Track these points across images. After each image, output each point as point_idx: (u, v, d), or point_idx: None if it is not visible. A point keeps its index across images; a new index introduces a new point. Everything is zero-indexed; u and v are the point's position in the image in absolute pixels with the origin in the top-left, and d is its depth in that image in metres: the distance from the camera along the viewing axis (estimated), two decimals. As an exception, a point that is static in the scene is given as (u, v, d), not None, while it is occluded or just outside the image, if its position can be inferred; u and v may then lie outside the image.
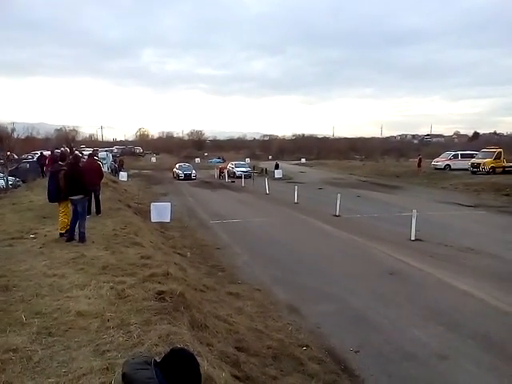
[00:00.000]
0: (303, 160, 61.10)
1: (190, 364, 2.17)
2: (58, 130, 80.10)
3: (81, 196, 8.80)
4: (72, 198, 8.82)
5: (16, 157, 33.42)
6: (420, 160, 36.60)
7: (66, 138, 68.73)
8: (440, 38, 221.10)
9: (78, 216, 8.66)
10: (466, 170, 32.15)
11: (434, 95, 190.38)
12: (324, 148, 79.03)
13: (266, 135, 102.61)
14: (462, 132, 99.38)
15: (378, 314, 7.00)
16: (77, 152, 12.50)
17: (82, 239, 8.50)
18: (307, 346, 5.80)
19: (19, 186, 20.77)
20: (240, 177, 33.33)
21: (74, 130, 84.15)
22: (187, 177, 36.98)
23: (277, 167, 39.49)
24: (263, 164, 50.81)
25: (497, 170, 30.45)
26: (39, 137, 62.75)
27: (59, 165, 9.47)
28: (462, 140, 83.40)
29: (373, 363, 5.42)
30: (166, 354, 2.20)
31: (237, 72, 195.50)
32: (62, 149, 16.03)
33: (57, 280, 5.94)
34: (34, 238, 8.74)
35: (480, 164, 31.47)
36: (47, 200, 10.03)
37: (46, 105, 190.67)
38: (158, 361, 2.19)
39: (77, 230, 8.61)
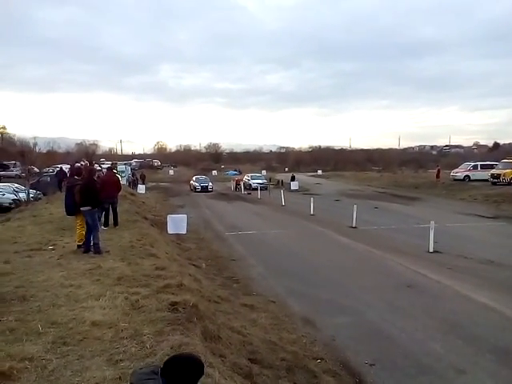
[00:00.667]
0: (320, 172, 60.95)
1: (189, 368, 2.22)
2: (79, 144, 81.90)
3: (89, 208, 8.89)
4: (82, 209, 8.92)
5: (37, 170, 34.28)
6: (439, 171, 36.52)
7: (86, 151, 70.14)
8: (456, 49, 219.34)
9: (89, 228, 8.77)
10: (486, 180, 31.51)
11: (451, 106, 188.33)
12: (341, 160, 78.70)
13: (283, 147, 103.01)
14: (482, 142, 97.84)
15: (394, 327, 6.89)
16: (90, 165, 12.70)
17: (97, 250, 8.60)
18: (322, 358, 5.74)
19: (40, 198, 21.24)
20: (256, 189, 33.39)
21: (94, 143, 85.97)
22: (204, 189, 37.22)
23: (293, 179, 39.44)
24: (279, 176, 50.82)
25: (517, 180, 29.79)
26: (60, 151, 64.24)
27: (75, 179, 9.67)
28: (482, 150, 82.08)
29: (388, 377, 5.33)
30: (165, 362, 2.23)
31: (252, 85, 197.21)
32: (77, 164, 16.34)
33: (73, 290, 6.03)
34: (53, 250, 8.90)
35: (500, 175, 30.84)
36: (65, 213, 10.21)
37: (67, 120, 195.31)
38: (161, 369, 2.22)
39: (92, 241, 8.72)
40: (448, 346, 6.14)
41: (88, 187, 8.92)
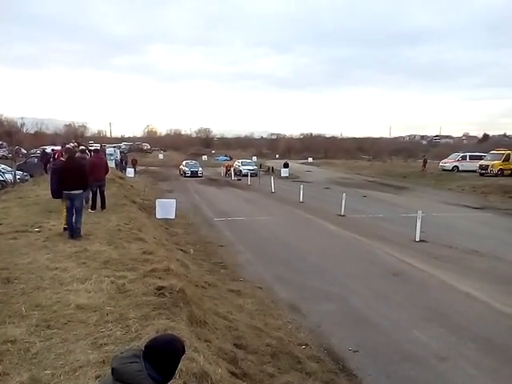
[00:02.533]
0: (310, 159, 61.07)
1: (172, 349, 2.23)
2: (67, 126, 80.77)
3: (80, 191, 8.75)
4: (69, 192, 8.63)
5: (25, 151, 33.78)
6: (425, 161, 37.50)
7: (75, 133, 69.30)
8: (451, 38, 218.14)
9: (75, 211, 8.60)
10: (474, 171, 31.85)
11: (443, 96, 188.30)
12: (331, 147, 78.86)
13: (274, 134, 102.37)
14: (472, 134, 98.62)
15: (378, 315, 6.98)
16: (69, 146, 12.42)
17: (78, 234, 8.43)
18: (306, 344, 5.80)
19: (27, 180, 20.94)
20: (246, 175, 33.32)
21: (82, 125, 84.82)
22: (194, 174, 37.07)
23: (286, 166, 39.36)
24: (270, 163, 50.80)
25: (505, 172, 30.15)
26: (48, 132, 63.39)
27: (61, 161, 9.48)
28: (472, 142, 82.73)
29: (371, 363, 5.41)
30: (147, 345, 2.23)
31: (244, 69, 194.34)
32: (67, 145, 16.10)
33: (58, 273, 5.97)
34: (39, 232, 8.79)
35: (488, 166, 31.19)
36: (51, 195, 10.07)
37: (56, 101, 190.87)
38: (144, 352, 2.21)
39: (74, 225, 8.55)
40: (431, 334, 6.24)
41: (70, 170, 8.63)
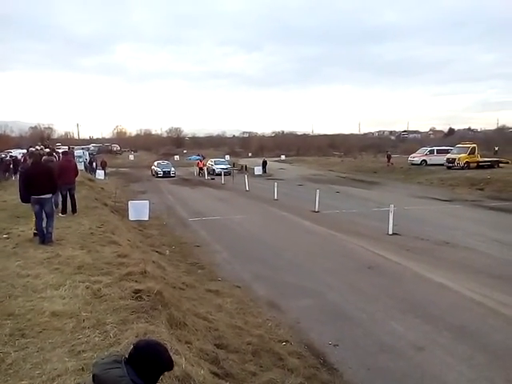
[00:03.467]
0: (283, 157, 61.41)
1: (156, 353, 2.19)
2: (33, 128, 78.50)
3: (49, 195, 8.49)
4: (38, 197, 8.36)
5: (-12, 155, 32.57)
6: (389, 156, 39.65)
7: (41, 135, 67.41)
8: (417, 35, 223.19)
9: (46, 216, 8.36)
10: (442, 165, 32.75)
11: (410, 92, 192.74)
12: (303, 145, 79.59)
13: (246, 132, 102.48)
14: (438, 128, 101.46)
15: (356, 308, 7.08)
16: (33, 150, 12.12)
17: (50, 240, 8.22)
18: (287, 341, 5.82)
19: (-8, 185, 20.22)
20: (220, 174, 33.21)
21: (49, 127, 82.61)
22: (166, 174, 36.66)
23: (264, 165, 39.47)
24: (243, 161, 50.76)
25: (471, 164, 31.13)
26: (13, 135, 61.40)
27: (27, 164, 9.21)
28: (438, 136, 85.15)
29: (351, 356, 5.47)
30: (131, 350, 2.19)
31: (214, 68, 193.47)
32: (32, 148, 15.64)
33: (31, 280, 5.80)
34: (7, 238, 8.51)
35: (455, 159, 32.13)
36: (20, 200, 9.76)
37: (21, 103, 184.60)
38: (127, 357, 2.17)
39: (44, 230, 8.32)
40: (407, 325, 6.37)
41: (37, 173, 8.38)
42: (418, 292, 7.79)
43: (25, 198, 9.04)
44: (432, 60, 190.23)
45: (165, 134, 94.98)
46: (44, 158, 10.74)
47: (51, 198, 8.66)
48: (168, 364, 2.22)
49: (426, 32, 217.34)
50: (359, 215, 15.99)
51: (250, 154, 68.30)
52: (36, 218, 8.42)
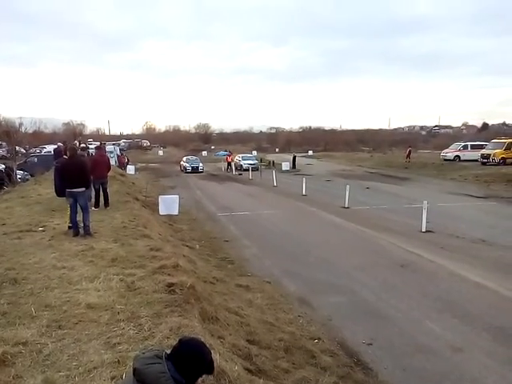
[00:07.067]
0: (310, 152, 60.80)
1: (201, 353, 2.15)
2: (66, 124, 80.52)
3: (83, 189, 8.65)
4: (72, 190, 8.54)
5: (24, 151, 33.63)
6: (409, 152, 38.39)
7: (74, 132, 69.06)
8: (450, 27, 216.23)
9: (81, 209, 8.53)
10: (476, 160, 31.69)
11: (442, 85, 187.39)
12: (331, 140, 78.65)
13: (273, 128, 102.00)
14: (471, 123, 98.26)
15: (389, 306, 6.91)
16: (70, 144, 12.36)
17: (88, 232, 8.42)
18: (319, 338, 5.73)
19: (27, 179, 20.84)
20: (247, 169, 33.17)
21: (81, 123, 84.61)
22: (194, 170, 36.92)
23: (294, 160, 39.27)
24: (270, 156, 50.61)
25: (507, 160, 29.99)
26: (47, 131, 63.10)
27: (63, 159, 9.40)
28: (471, 131, 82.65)
29: (386, 356, 5.34)
30: (176, 346, 2.15)
31: (241, 64, 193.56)
32: (60, 144, 15.97)
33: (66, 272, 5.90)
34: (43, 231, 8.71)
35: (490, 155, 31.04)
36: (55, 194, 10.00)
37: (53, 100, 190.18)
38: (169, 353, 2.13)
39: (80, 223, 8.50)
40: (444, 325, 6.17)
41: (72, 168, 8.57)
42: (454, 291, 7.54)
43: (60, 192, 9.24)
44: (466, 52, 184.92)
45: (193, 130, 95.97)
46: (78, 152, 10.95)
47: (85, 191, 8.81)
48: (209, 366, 2.18)
49: (460, 23, 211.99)
50: (390, 211, 15.65)
51: (277, 150, 68.05)
52: (70, 211, 8.61)
